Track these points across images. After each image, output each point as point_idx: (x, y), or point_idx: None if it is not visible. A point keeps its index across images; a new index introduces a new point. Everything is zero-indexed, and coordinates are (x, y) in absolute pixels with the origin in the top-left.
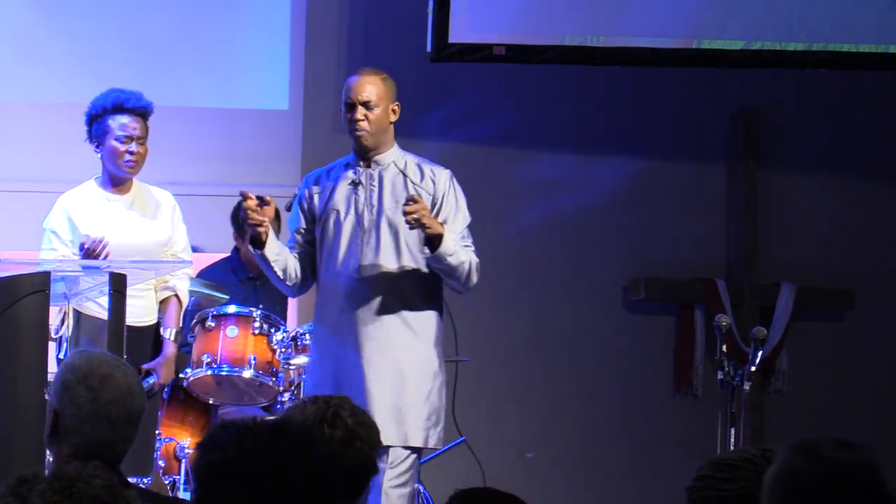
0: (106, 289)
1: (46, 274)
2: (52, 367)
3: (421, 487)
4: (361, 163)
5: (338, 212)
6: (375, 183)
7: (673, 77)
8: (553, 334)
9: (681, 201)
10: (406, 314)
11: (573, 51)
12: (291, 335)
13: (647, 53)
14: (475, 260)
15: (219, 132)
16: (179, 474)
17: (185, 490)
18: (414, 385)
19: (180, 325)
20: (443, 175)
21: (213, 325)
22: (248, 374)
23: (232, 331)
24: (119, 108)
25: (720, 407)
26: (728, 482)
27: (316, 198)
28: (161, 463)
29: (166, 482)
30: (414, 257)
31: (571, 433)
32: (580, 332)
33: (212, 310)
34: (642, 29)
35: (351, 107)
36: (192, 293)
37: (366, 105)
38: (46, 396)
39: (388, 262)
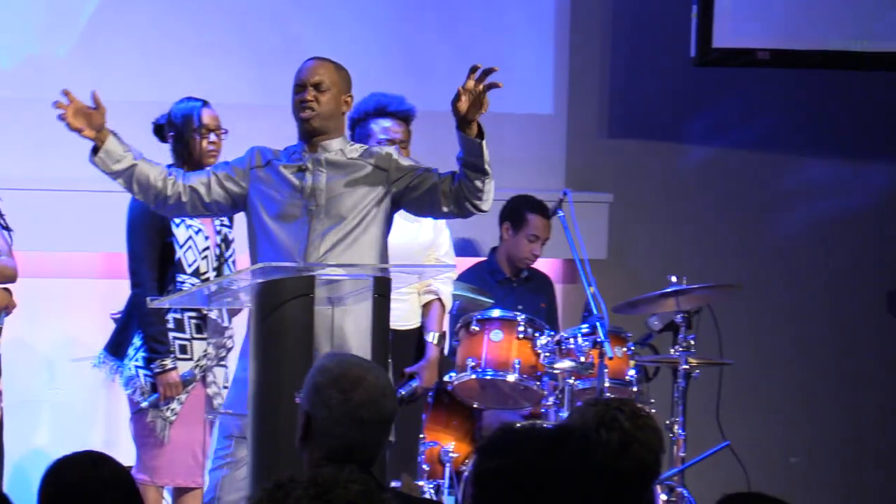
0: (370, 292)
1: (311, 277)
2: None
3: (685, 492)
4: (307, 148)
5: (279, 195)
6: (323, 167)
7: None
8: (817, 339)
9: None
10: (349, 305)
11: (837, 56)
12: (556, 339)
13: None
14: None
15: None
16: (443, 478)
17: (448, 494)
18: None
19: (443, 328)
20: (386, 149)
21: (477, 328)
22: (512, 378)
23: (496, 335)
24: (381, 112)
25: None
26: None
27: (259, 172)
28: (425, 467)
29: (430, 486)
30: (362, 244)
31: (835, 438)
32: (844, 337)
33: (476, 314)
34: None
35: (301, 88)
36: (456, 297)
37: (317, 87)
38: (297, 400)
39: (336, 250)
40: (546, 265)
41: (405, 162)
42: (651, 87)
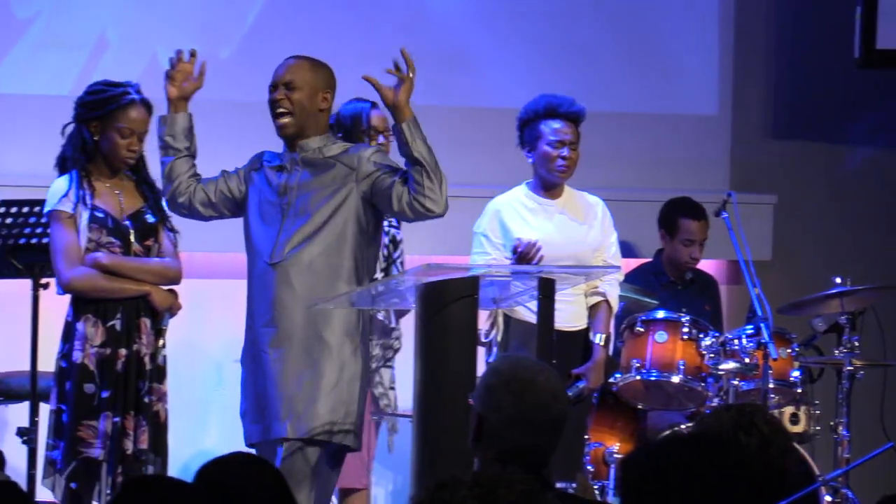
0: (535, 293)
1: (475, 278)
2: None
3: (849, 493)
4: (289, 147)
5: (262, 196)
6: (299, 166)
7: None
8: None
9: None
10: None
11: None
12: (721, 341)
13: None
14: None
15: (647, 137)
16: (608, 479)
17: (613, 496)
18: (316, 375)
19: (610, 330)
20: (366, 149)
21: (641, 329)
22: (676, 379)
23: (661, 336)
24: (551, 114)
25: None
26: None
27: (254, 175)
28: (590, 468)
29: (595, 487)
30: (330, 243)
31: None
32: None
33: (641, 315)
34: None
35: (273, 88)
36: (621, 298)
37: (287, 86)
38: (470, 401)
39: (302, 248)
40: (710, 266)
41: (375, 161)
42: (815, 88)
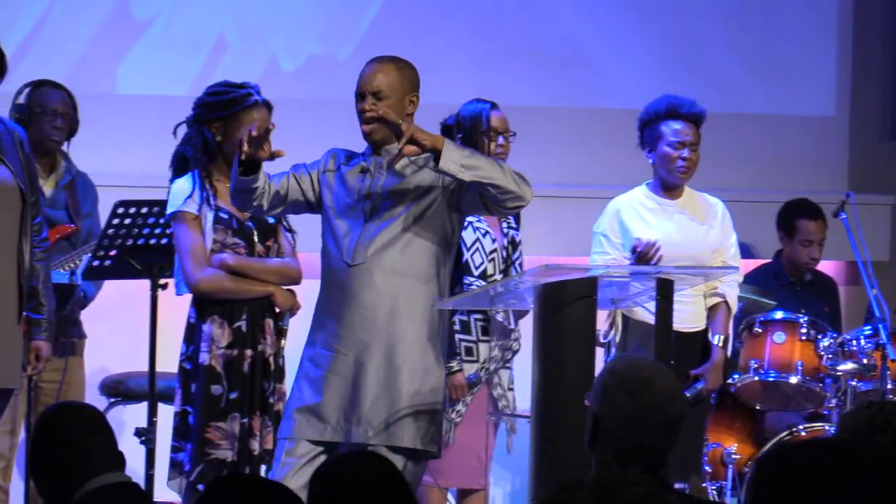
0: (654, 294)
1: (593, 279)
2: None
3: None
4: (373, 150)
5: (341, 198)
6: (384, 170)
7: None
8: None
9: None
10: (400, 308)
11: None
12: (839, 341)
13: None
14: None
15: (766, 138)
16: (726, 480)
17: (731, 496)
18: (400, 382)
19: (729, 331)
20: None
21: (760, 330)
22: (794, 379)
23: (779, 336)
24: (672, 115)
25: None
26: None
27: (329, 176)
28: (708, 468)
29: (713, 487)
30: (413, 248)
31: None
32: None
33: (759, 315)
34: None
35: (361, 97)
36: (739, 299)
37: (375, 95)
38: (587, 402)
39: (384, 252)
40: (828, 267)
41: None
42: None
